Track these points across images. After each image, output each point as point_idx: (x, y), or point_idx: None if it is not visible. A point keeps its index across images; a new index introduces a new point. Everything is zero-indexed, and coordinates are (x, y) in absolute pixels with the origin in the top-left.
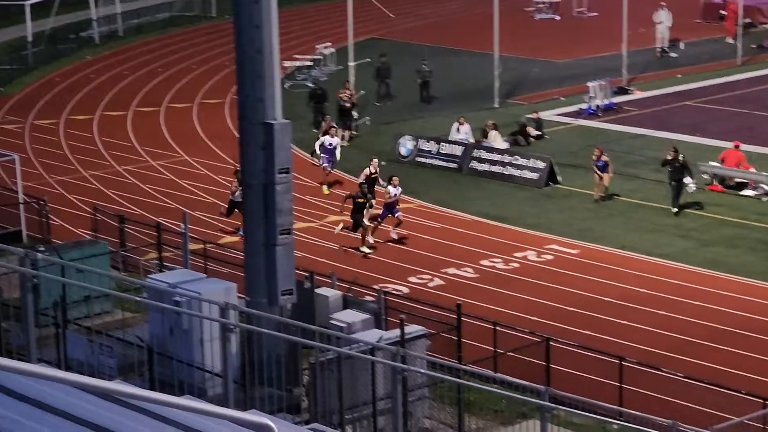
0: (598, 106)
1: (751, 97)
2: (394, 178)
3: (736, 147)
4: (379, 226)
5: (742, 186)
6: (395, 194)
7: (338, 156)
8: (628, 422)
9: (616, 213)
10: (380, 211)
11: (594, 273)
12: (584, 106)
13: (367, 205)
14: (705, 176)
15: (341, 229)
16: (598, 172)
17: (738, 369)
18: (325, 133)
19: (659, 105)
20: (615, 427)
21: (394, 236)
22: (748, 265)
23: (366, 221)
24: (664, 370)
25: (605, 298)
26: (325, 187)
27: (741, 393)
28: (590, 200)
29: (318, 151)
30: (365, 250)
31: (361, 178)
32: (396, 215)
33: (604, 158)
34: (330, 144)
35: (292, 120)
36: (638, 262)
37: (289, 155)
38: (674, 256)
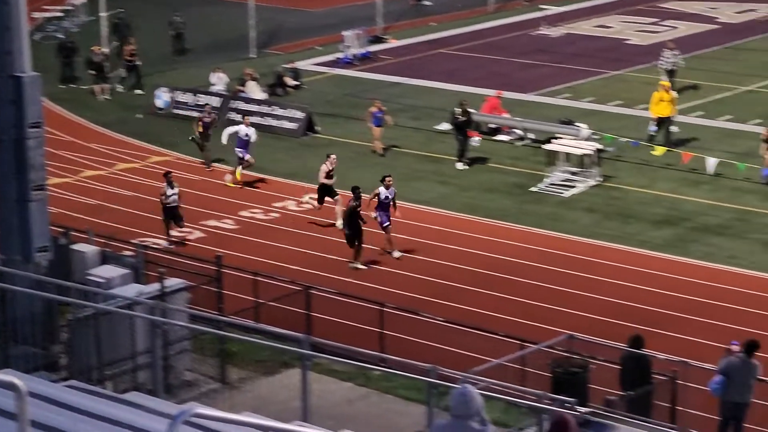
0: (354, 55)
1: (503, 44)
2: (387, 178)
3: (499, 96)
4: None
5: (496, 131)
6: (386, 197)
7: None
8: (390, 368)
9: (377, 161)
10: (379, 218)
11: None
12: (340, 55)
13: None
14: None
15: (308, 200)
16: (375, 125)
17: (496, 312)
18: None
19: (414, 53)
20: (377, 373)
21: (397, 256)
22: (504, 209)
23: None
24: (424, 314)
25: (365, 246)
26: (228, 178)
27: (499, 335)
28: (350, 149)
29: (225, 141)
30: (359, 266)
31: (321, 178)
32: (384, 225)
33: (384, 109)
34: (246, 135)
35: (42, 73)
36: (399, 208)
37: (39, 109)
38: (434, 202)
